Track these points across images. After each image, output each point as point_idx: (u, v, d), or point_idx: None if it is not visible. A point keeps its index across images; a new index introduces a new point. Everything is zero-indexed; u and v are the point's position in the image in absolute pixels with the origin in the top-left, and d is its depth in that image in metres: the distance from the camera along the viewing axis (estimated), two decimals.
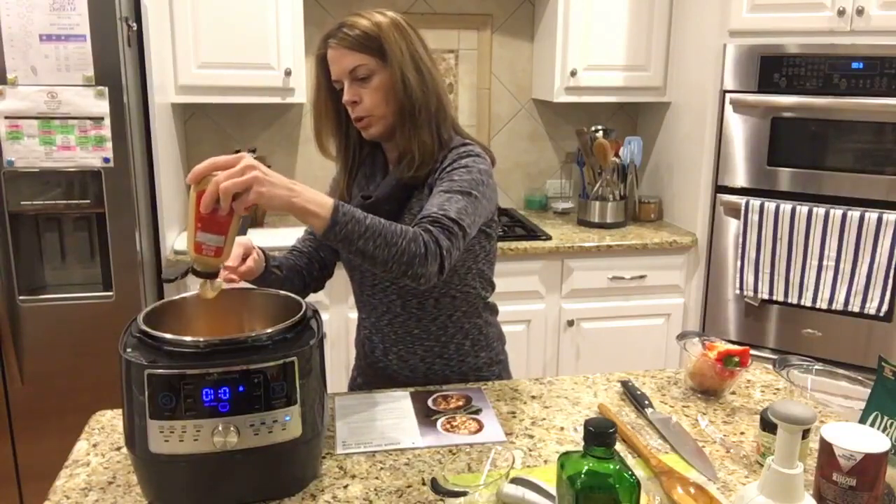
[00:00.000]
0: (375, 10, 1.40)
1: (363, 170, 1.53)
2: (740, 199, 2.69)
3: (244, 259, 1.33)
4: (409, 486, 1.12)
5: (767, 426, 1.16)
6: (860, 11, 2.45)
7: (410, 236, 1.18)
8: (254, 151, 2.83)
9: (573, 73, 2.91)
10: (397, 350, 1.52)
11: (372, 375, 1.58)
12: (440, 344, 1.51)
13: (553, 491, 0.97)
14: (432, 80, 1.41)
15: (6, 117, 2.12)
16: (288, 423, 1.05)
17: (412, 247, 1.18)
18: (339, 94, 1.41)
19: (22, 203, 2.19)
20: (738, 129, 2.70)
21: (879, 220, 2.45)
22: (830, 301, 2.57)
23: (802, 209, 2.56)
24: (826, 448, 0.98)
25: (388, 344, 1.52)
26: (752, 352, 1.43)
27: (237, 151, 2.81)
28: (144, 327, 1.06)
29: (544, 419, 1.34)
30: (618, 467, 0.86)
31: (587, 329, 2.84)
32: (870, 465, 0.95)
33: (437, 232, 1.22)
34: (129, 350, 1.03)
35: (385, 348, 1.53)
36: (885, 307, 2.49)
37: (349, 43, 1.36)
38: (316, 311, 1.19)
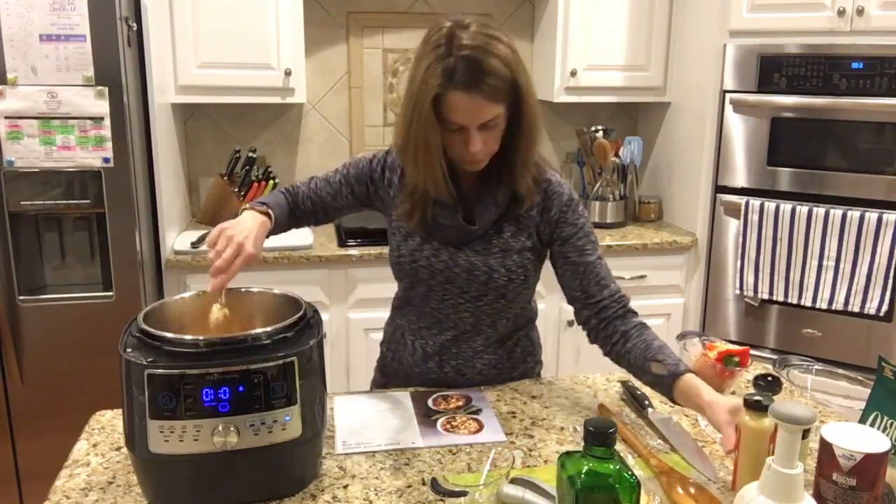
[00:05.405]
0: (491, 36, 1.23)
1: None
2: (740, 199, 2.69)
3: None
4: (409, 486, 1.12)
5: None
6: (860, 11, 2.45)
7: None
8: (254, 151, 2.83)
9: (573, 73, 2.91)
10: (455, 364, 1.48)
11: (408, 382, 1.53)
12: (497, 356, 1.51)
13: (553, 491, 0.97)
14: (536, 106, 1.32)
15: (6, 117, 2.12)
16: (288, 423, 1.05)
17: None
18: (440, 131, 1.27)
19: (22, 203, 2.19)
20: (738, 129, 2.70)
21: (879, 220, 2.45)
22: (830, 301, 2.57)
23: (802, 209, 2.56)
24: (826, 448, 0.98)
25: (447, 357, 1.48)
26: (752, 352, 1.43)
27: (237, 152, 2.82)
28: (144, 327, 1.06)
29: (544, 419, 1.34)
30: (618, 467, 0.86)
31: None
32: (870, 465, 0.95)
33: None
34: (129, 350, 1.03)
35: (441, 361, 1.48)
36: (885, 307, 2.49)
37: (490, 94, 1.22)
38: (316, 311, 1.19)
